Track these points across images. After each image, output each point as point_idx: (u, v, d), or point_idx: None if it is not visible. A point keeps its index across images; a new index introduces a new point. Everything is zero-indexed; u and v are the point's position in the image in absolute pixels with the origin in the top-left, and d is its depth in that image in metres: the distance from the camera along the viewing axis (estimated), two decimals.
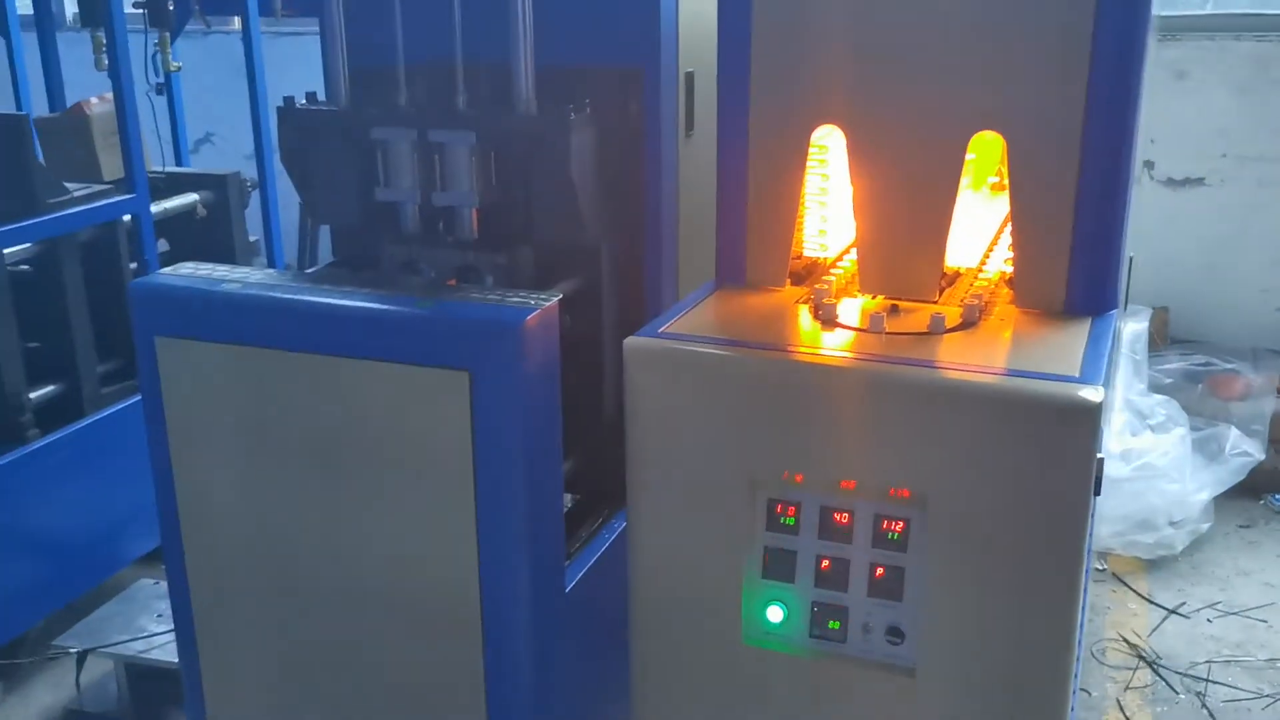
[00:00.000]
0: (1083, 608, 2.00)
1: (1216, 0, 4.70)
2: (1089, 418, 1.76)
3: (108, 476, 3.41)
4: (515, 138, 2.27)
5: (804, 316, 2.15)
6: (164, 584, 3.50)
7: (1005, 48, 2.05)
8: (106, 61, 3.83)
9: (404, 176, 2.32)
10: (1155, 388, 4.17)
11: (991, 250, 2.44)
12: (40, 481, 3.22)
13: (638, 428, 2.05)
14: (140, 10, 3.90)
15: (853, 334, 2.06)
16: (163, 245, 3.77)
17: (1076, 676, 2.19)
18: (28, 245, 3.22)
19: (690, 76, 2.50)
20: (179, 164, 4.41)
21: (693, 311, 2.18)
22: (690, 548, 2.06)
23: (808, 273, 2.40)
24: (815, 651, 2.01)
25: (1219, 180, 4.63)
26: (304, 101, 2.42)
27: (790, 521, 2.00)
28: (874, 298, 2.22)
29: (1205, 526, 3.86)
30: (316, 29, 5.06)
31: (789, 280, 2.31)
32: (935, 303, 2.18)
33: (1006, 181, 2.13)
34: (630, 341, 2.03)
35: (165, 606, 3.36)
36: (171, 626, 3.22)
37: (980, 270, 2.36)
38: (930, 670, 1.96)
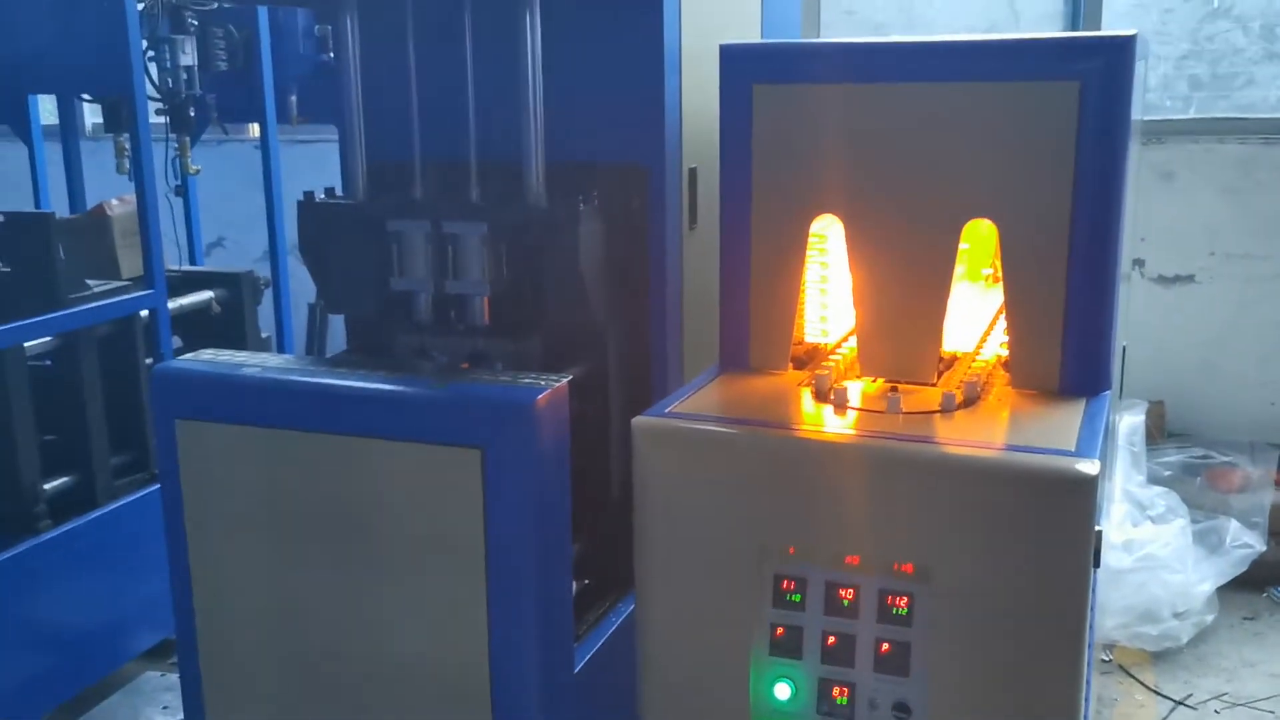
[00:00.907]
0: (1087, 687, 2.02)
1: (1199, 105, 4.87)
2: (1086, 489, 1.81)
3: (117, 568, 3.44)
4: (526, 228, 2.36)
5: (806, 398, 2.22)
6: (170, 676, 3.51)
7: (994, 142, 2.15)
8: (127, 165, 3.97)
9: (418, 266, 2.40)
10: (1154, 480, 4.21)
11: (988, 336, 2.52)
12: (51, 572, 3.24)
13: (645, 506, 2.10)
14: (162, 118, 4.04)
15: (855, 413, 2.12)
16: (176, 342, 3.85)
17: None
18: (48, 339, 3.30)
19: (693, 172, 2.61)
20: (193, 264, 4.53)
21: (698, 394, 2.25)
22: (698, 625, 2.09)
23: (809, 357, 2.47)
24: None
25: (1209, 278, 4.73)
26: (322, 196, 2.52)
27: (796, 598, 2.03)
28: (874, 381, 2.29)
29: (1210, 618, 3.86)
30: (327, 137, 5.24)
31: (791, 365, 2.38)
32: (934, 385, 2.24)
33: (1000, 271, 2.22)
34: (638, 421, 2.09)
35: (171, 698, 3.37)
36: (178, 718, 3.22)
37: (977, 354, 2.43)
38: None
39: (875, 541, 1.97)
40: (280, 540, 2.27)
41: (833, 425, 2.09)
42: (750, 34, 2.97)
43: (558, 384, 2.12)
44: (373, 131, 2.47)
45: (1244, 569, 4.01)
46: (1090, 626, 1.93)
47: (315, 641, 2.29)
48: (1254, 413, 4.71)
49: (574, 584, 2.33)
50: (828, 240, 2.45)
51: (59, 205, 4.43)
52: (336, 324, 5.13)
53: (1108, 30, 4.51)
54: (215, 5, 3.97)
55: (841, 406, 2.14)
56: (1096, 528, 1.84)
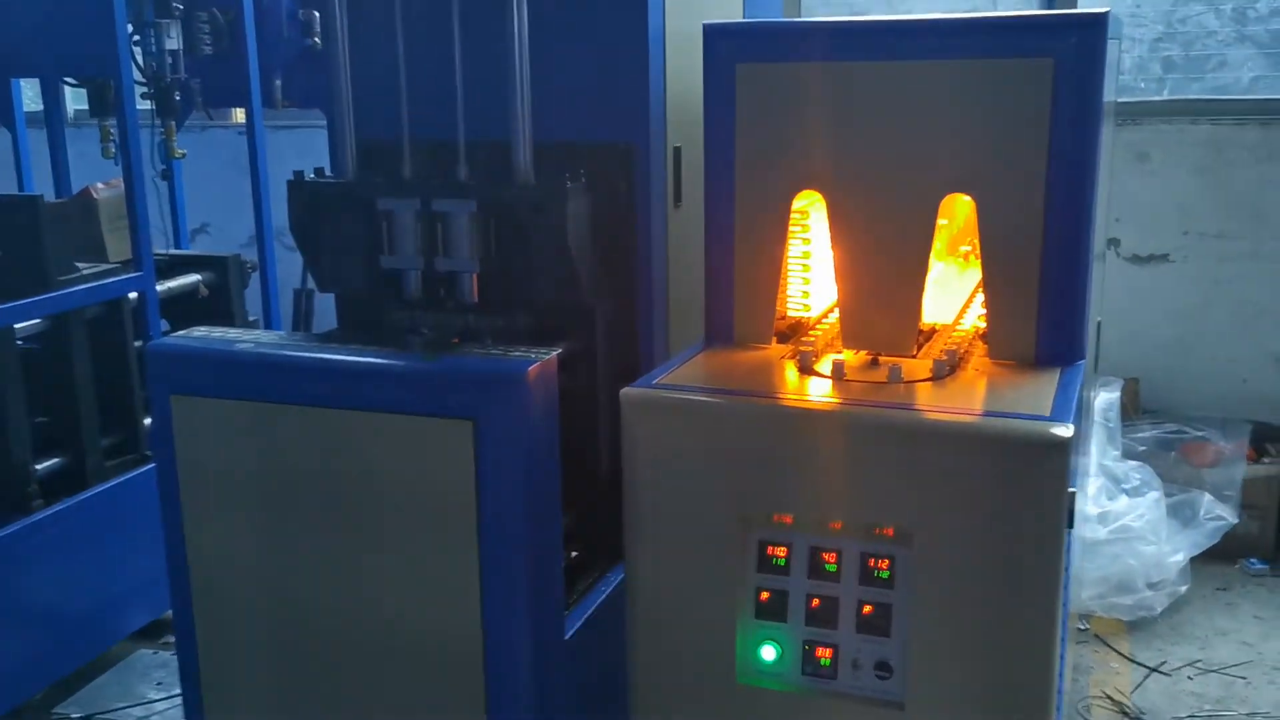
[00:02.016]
0: (1062, 646, 2.09)
1: (1173, 87, 4.94)
2: (1060, 452, 1.88)
3: (109, 548, 3.47)
4: (514, 206, 2.40)
5: (790, 370, 2.28)
6: (163, 654, 3.55)
7: (972, 118, 2.20)
8: (113, 150, 3.99)
9: (408, 244, 2.43)
10: (1129, 455, 4.28)
11: (966, 309, 2.58)
12: (43, 551, 3.27)
13: (634, 475, 2.15)
14: (146, 102, 4.05)
15: (837, 383, 2.17)
16: (164, 325, 3.87)
17: None
18: (38, 321, 3.33)
19: (678, 151, 2.65)
20: (179, 248, 4.55)
21: (684, 366, 2.30)
22: (686, 590, 2.14)
23: (792, 331, 2.53)
24: (807, 689, 2.09)
25: (1182, 257, 4.81)
26: (312, 176, 2.55)
27: (781, 562, 2.09)
28: (856, 353, 2.34)
29: (1183, 589, 3.94)
30: (310, 122, 5.23)
31: (774, 339, 2.43)
32: (914, 357, 2.30)
33: (978, 248, 2.28)
34: (626, 392, 2.14)
35: (165, 675, 3.41)
36: (172, 693, 3.27)
37: (956, 326, 2.49)
38: (919, 703, 2.03)
39: (857, 506, 2.03)
40: (275, 513, 2.31)
41: (815, 394, 2.15)
42: (732, 15, 3.01)
43: (547, 356, 2.17)
44: (361, 112, 2.50)
45: (1216, 541, 4.11)
46: (1065, 587, 2.00)
47: (310, 613, 2.34)
48: (1226, 389, 4.79)
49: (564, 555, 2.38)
50: (810, 216, 2.51)
51: (44, 191, 4.43)
52: (321, 310, 5.16)
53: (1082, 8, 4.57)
54: None
55: (823, 376, 2.20)
56: (1071, 489, 1.90)
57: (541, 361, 2.14)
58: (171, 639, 3.58)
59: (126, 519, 3.51)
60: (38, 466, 3.36)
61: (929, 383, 2.16)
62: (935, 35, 2.25)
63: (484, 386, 2.11)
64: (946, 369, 2.18)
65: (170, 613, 3.50)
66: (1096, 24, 2.12)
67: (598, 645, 2.44)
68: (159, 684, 3.26)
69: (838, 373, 2.20)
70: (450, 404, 2.13)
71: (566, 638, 2.35)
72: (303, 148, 4.83)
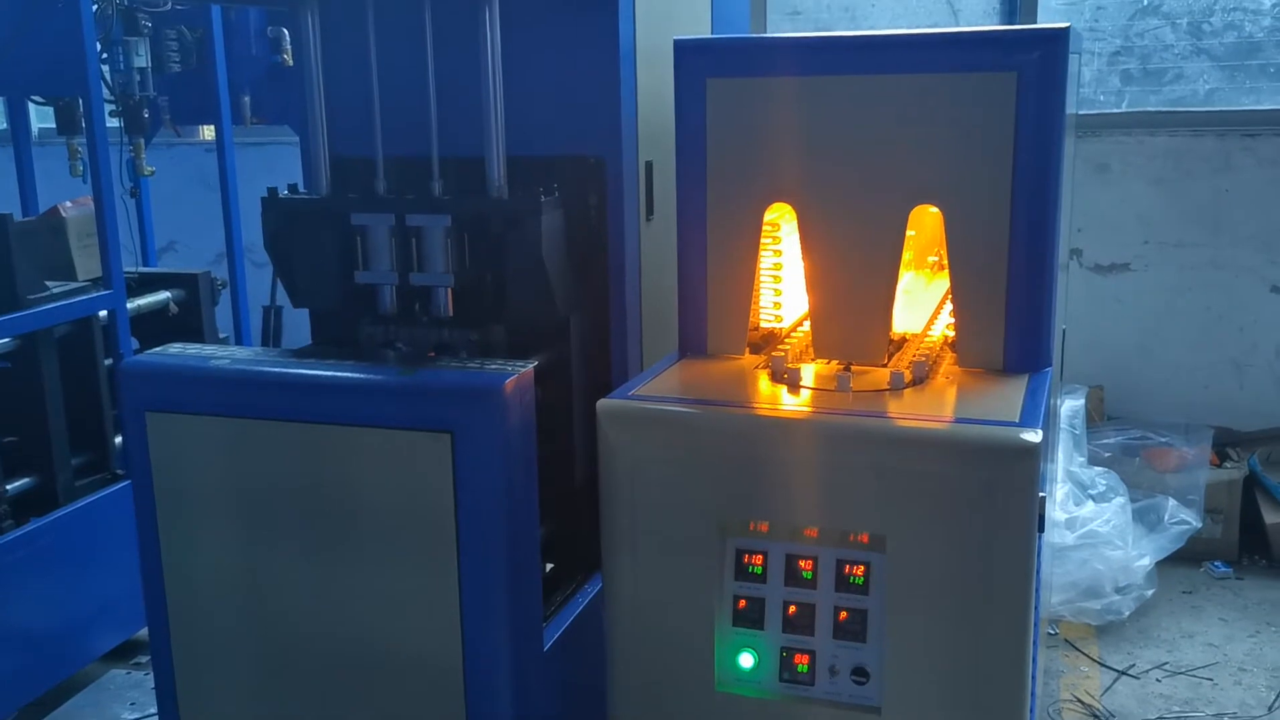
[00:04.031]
0: (1034, 649, 2.12)
1: (1131, 99, 5.03)
2: (1030, 457, 1.92)
3: (80, 568, 3.44)
4: (488, 220, 2.42)
5: (763, 380, 2.31)
6: (136, 674, 3.53)
7: (938, 131, 2.25)
8: (80, 168, 3.97)
9: (382, 259, 2.45)
10: (1094, 461, 4.35)
11: (935, 318, 2.62)
12: (14, 572, 3.24)
13: (611, 486, 2.17)
14: (114, 120, 4.04)
15: (810, 392, 2.21)
16: (134, 343, 3.85)
17: None
18: (7, 340, 3.30)
19: (649, 165, 2.68)
20: (147, 266, 4.52)
21: (659, 378, 2.33)
22: (664, 599, 2.16)
23: (765, 342, 2.57)
24: (785, 695, 2.12)
25: (1143, 266, 4.89)
26: (286, 192, 2.56)
27: (758, 570, 2.12)
28: (828, 362, 2.38)
29: (1150, 592, 4.00)
30: (278, 139, 5.22)
31: (747, 349, 2.47)
32: (885, 365, 2.34)
33: (945, 258, 2.32)
34: (603, 403, 2.16)
35: (139, 695, 3.39)
36: (147, 713, 3.25)
37: (925, 335, 2.53)
38: (895, 708, 2.06)
39: (832, 514, 2.06)
40: (253, 529, 2.31)
41: (789, 404, 2.18)
42: (700, 31, 3.05)
43: (524, 369, 2.19)
44: (333, 128, 2.51)
45: (1181, 544, 4.17)
46: (1036, 591, 2.03)
47: (289, 628, 2.34)
48: (1188, 395, 4.87)
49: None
50: (781, 229, 2.54)
51: (10, 210, 4.40)
52: (291, 327, 5.16)
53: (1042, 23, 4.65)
54: (169, 6, 3.97)
55: (797, 386, 2.23)
56: (1041, 494, 1.94)
57: (518, 374, 2.16)
58: (144, 659, 3.57)
59: (97, 538, 3.49)
60: (8, 486, 3.33)
61: (900, 391, 2.19)
62: (902, 50, 2.29)
63: (462, 399, 2.13)
64: (924, 372, 2.22)
65: (142, 632, 3.49)
66: (1058, 39, 2.17)
67: (576, 656, 2.46)
68: (132, 704, 3.23)
69: (810, 382, 2.23)
70: (428, 417, 2.14)
71: (545, 649, 2.36)
72: (270, 165, 4.82)
